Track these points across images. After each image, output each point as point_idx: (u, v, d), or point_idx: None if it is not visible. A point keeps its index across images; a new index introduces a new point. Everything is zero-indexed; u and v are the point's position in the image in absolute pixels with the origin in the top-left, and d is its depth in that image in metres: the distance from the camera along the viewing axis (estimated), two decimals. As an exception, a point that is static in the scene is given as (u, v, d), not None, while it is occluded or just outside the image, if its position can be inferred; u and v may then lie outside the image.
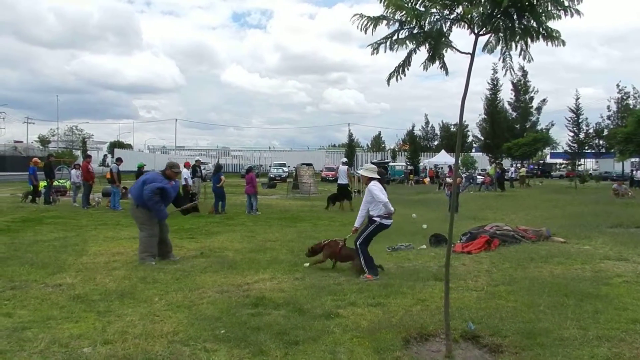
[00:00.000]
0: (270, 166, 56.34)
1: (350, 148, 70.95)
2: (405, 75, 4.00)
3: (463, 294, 5.73)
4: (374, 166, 7.49)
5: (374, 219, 6.72)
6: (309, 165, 32.15)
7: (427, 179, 44.38)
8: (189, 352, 3.92)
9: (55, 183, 20.50)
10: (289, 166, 52.74)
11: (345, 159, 20.34)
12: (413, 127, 68.13)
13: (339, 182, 17.52)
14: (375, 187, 6.76)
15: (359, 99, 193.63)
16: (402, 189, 33.78)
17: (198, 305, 5.28)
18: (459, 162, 4.98)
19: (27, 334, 4.28)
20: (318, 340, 4.18)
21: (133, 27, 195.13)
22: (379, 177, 7.04)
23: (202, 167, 21.58)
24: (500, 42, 4.00)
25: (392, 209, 6.68)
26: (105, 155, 79.36)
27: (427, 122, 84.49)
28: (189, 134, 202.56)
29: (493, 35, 4.00)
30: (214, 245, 9.40)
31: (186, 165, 17.11)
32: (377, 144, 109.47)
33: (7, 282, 6.14)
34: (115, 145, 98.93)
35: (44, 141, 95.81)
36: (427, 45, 3.86)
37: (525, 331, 4.37)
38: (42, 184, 18.66)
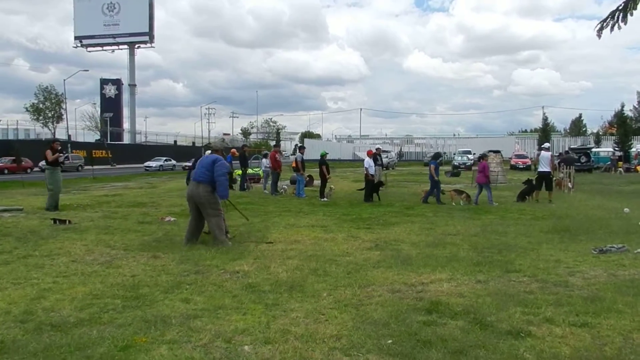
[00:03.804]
0: (454, 154, 54.11)
1: (545, 133, 64.73)
2: (625, 24, 2.96)
3: None
4: None
5: None
6: (497, 152, 29.83)
7: (642, 166, 38.00)
8: (349, 364, 3.49)
9: (250, 171, 22.24)
10: (474, 153, 50.12)
11: (547, 144, 18.09)
12: (622, 107, 58.85)
13: (539, 169, 15.62)
14: None
15: (554, 79, 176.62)
16: (608, 178, 29.41)
17: (366, 305, 4.84)
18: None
19: (196, 323, 4.29)
20: (504, 367, 3.40)
21: (320, 22, 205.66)
22: None
23: (382, 155, 21.38)
24: None
25: None
26: (296, 145, 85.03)
27: (640, 102, 73.06)
28: (373, 123, 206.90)
29: None
30: (389, 237, 8.94)
31: (369, 154, 16.91)
32: (577, 127, 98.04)
33: (192, 266, 6.48)
34: (306, 135, 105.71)
35: (245, 133, 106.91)
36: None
37: None
38: (238, 172, 20.36)
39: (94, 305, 4.78)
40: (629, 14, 2.57)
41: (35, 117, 63.87)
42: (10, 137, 63.66)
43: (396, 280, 5.81)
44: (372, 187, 15.69)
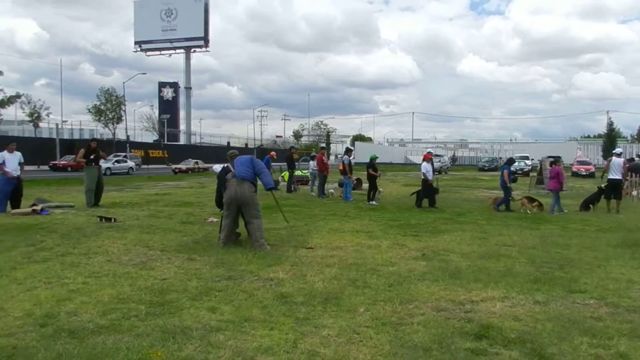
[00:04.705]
0: (511, 159, 52.03)
1: (611, 138, 61.36)
2: None
3: None
4: None
5: None
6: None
7: None
8: (383, 397, 3.03)
9: (298, 173, 22.02)
10: (532, 159, 48.09)
11: (620, 150, 16.72)
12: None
13: (610, 177, 14.46)
14: None
15: (618, 83, 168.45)
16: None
17: (407, 325, 4.34)
18: None
19: (218, 337, 3.94)
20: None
21: (372, 26, 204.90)
22: None
23: (434, 160, 20.63)
24: None
25: None
26: (347, 148, 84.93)
27: None
28: (425, 127, 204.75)
29: None
30: (438, 246, 8.34)
31: (425, 158, 16.23)
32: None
33: (226, 271, 6.18)
34: (357, 138, 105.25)
35: (297, 135, 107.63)
36: None
37: None
38: (285, 174, 20.27)
39: (117, 311, 4.53)
40: None
41: (97, 118, 66.54)
42: (76, 136, 66.74)
43: (442, 296, 5.28)
44: (429, 192, 14.95)
